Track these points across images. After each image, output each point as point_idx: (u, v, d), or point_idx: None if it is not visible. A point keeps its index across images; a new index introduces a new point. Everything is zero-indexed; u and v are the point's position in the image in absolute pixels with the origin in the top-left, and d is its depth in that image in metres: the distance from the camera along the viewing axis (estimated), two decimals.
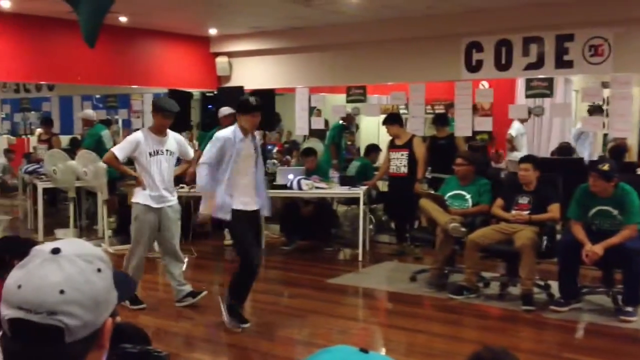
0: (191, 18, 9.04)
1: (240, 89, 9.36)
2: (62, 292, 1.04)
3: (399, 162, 7.65)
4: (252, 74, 10.38)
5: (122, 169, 5.83)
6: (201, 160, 5.04)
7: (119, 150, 5.52)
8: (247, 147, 5.01)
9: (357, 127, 11.80)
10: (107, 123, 10.59)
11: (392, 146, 7.80)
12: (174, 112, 5.57)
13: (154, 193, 5.48)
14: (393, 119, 7.89)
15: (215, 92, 9.61)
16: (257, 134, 5.89)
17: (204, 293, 5.80)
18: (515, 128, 9.60)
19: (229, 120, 8.24)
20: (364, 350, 1.03)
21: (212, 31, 10.10)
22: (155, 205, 5.50)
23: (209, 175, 4.94)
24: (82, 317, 1.05)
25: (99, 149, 8.36)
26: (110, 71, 9.40)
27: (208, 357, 4.82)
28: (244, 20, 9.03)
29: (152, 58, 9.88)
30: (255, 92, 9.56)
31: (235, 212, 4.95)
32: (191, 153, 5.97)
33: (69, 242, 1.13)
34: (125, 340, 1.41)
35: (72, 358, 1.07)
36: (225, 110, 8.07)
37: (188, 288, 5.80)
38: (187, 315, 5.62)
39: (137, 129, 11.55)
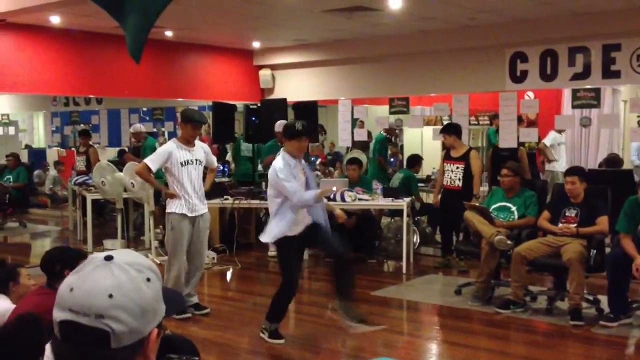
0: (235, 31, 9.18)
1: (283, 101, 9.45)
2: (110, 296, 1.08)
3: (454, 175, 7.45)
4: (295, 86, 10.47)
5: (152, 180, 5.96)
6: (296, 197, 4.84)
7: (152, 162, 5.61)
8: (299, 170, 4.97)
9: (400, 138, 11.77)
10: (154, 136, 10.81)
11: (447, 157, 7.60)
12: (203, 123, 5.72)
13: (189, 202, 5.60)
14: (450, 129, 7.63)
15: (259, 105, 9.71)
16: None
17: (208, 310, 5.92)
18: (550, 138, 9.46)
19: None
20: None
21: (256, 44, 10.23)
22: (190, 214, 5.62)
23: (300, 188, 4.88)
24: (128, 323, 1.08)
25: None
26: (156, 85, 9.60)
27: None
28: (286, 33, 9.13)
29: (196, 71, 10.06)
30: (299, 104, 9.67)
31: (284, 239, 4.94)
32: (215, 162, 6.16)
33: (122, 252, 1.18)
34: (174, 351, 1.44)
35: None
36: (282, 124, 8.19)
37: (195, 300, 5.92)
38: (232, 326, 5.67)
39: None
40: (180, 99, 10.20)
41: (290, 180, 4.81)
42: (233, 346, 5.22)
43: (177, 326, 5.24)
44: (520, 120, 8.60)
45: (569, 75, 7.97)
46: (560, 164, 9.39)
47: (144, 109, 11.21)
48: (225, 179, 9.97)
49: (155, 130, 11.15)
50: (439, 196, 7.71)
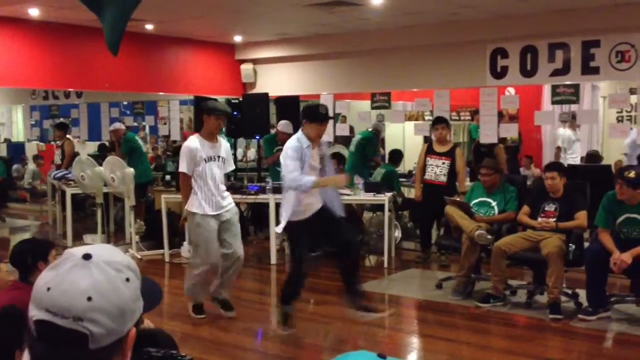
0: (216, 25, 9.14)
1: (265, 95, 9.43)
2: (89, 299, 1.05)
3: (439, 170, 7.42)
4: (277, 80, 10.45)
5: (187, 194, 5.47)
6: (289, 177, 4.76)
7: (186, 167, 5.34)
8: (314, 155, 4.90)
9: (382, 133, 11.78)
10: (134, 130, 10.73)
11: (430, 152, 7.54)
12: (228, 113, 5.48)
13: (211, 200, 5.35)
14: (447, 122, 7.62)
15: (240, 99, 9.68)
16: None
17: (233, 314, 5.61)
18: (561, 137, 9.52)
19: (286, 136, 8.33)
20: (382, 356, 1.05)
21: (237, 38, 10.20)
22: (214, 212, 5.37)
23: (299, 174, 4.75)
24: (107, 326, 1.06)
25: (135, 153, 8.59)
26: (137, 78, 9.54)
27: None
28: (268, 27, 9.10)
29: (178, 65, 10.00)
30: (280, 99, 9.66)
31: (296, 223, 4.87)
32: (232, 165, 5.83)
33: (101, 248, 1.14)
34: (153, 345, 1.43)
35: None
36: (286, 125, 8.22)
37: (225, 295, 5.65)
38: (213, 321, 5.65)
39: (165, 135, 11.79)
40: (161, 93, 10.15)
41: (293, 161, 4.73)
42: (216, 341, 5.21)
43: (156, 321, 5.22)
44: (501, 115, 8.66)
45: (549, 71, 8.05)
46: (575, 161, 9.42)
47: (125, 102, 11.12)
48: None
49: (135, 124, 11.06)
50: (405, 189, 7.77)
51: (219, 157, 5.44)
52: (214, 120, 5.37)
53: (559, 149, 9.68)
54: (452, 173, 7.39)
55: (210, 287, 5.62)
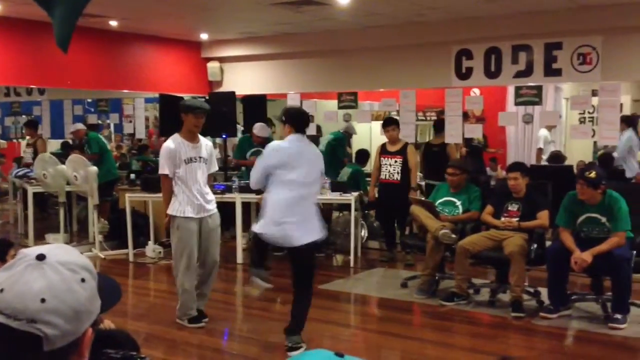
0: (182, 23, 9.05)
1: (231, 94, 9.37)
2: (43, 300, 1.03)
3: (392, 169, 7.63)
4: (244, 79, 10.40)
5: (168, 198, 5.29)
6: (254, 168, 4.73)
7: (166, 168, 5.18)
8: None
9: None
10: (97, 127, 10.58)
11: (384, 152, 7.78)
12: (207, 110, 5.30)
13: (193, 203, 5.19)
14: (396, 122, 7.86)
15: (207, 97, 9.62)
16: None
17: (206, 321, 5.41)
18: (542, 138, 9.63)
19: (261, 139, 8.32)
20: (340, 354, 1.06)
21: (204, 36, 10.12)
22: (196, 216, 5.21)
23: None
24: (61, 327, 1.05)
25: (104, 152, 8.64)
26: (101, 76, 9.40)
27: None
28: (235, 25, 9.06)
29: (143, 62, 9.89)
30: (247, 98, 9.62)
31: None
32: (216, 166, 5.65)
33: (56, 249, 1.12)
34: (114, 346, 1.42)
35: None
36: (261, 128, 8.28)
37: (201, 306, 5.45)
38: (178, 321, 5.61)
39: (130, 134, 11.63)
40: (125, 91, 10.02)
41: (263, 161, 4.66)
42: (179, 341, 5.17)
43: (119, 322, 5.16)
44: (466, 116, 8.75)
45: (513, 73, 8.16)
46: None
47: (89, 100, 10.95)
48: None
49: (99, 122, 10.91)
50: (376, 190, 7.86)
51: (200, 157, 5.26)
52: (193, 118, 5.19)
53: (540, 150, 9.80)
54: (406, 171, 7.56)
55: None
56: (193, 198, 5.19)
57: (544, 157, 9.50)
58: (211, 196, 5.38)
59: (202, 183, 5.25)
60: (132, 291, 6.67)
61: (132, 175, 9.22)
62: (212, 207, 5.35)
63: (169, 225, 5.31)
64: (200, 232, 5.27)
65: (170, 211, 5.23)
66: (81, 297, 1.08)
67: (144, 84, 9.92)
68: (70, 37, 3.11)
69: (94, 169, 7.97)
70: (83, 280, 1.10)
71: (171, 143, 5.22)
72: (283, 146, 4.68)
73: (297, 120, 4.73)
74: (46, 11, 3.16)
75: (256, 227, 4.72)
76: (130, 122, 10.35)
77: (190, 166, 5.19)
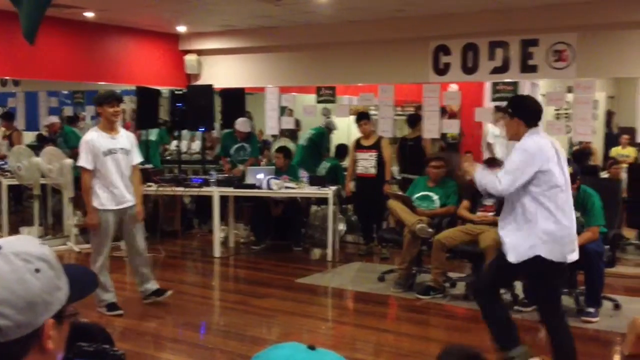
0: (159, 14, 8.97)
1: (209, 87, 9.33)
2: None
3: (367, 163, 7.70)
4: (222, 72, 10.35)
5: (90, 198, 5.33)
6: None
7: (85, 162, 5.25)
8: None
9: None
10: (74, 120, 10.46)
11: (358, 147, 7.83)
12: (120, 98, 5.40)
13: (113, 194, 5.30)
14: (369, 116, 7.95)
15: (185, 90, 9.56)
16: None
17: (169, 293, 5.77)
18: (490, 134, 9.69)
19: (244, 134, 8.45)
20: (312, 347, 1.08)
21: (181, 28, 10.05)
22: (116, 207, 5.33)
23: None
24: (13, 318, 1.03)
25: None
26: (77, 67, 9.29)
27: (175, 357, 4.81)
28: (213, 17, 9.00)
29: (119, 54, 9.79)
30: (225, 91, 9.58)
31: None
32: (139, 157, 5.63)
33: (16, 240, 1.11)
34: (87, 340, 1.41)
35: (8, 359, 1.05)
36: (243, 123, 8.41)
37: (154, 286, 5.73)
38: (155, 314, 5.59)
39: None
40: (102, 83, 9.92)
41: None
42: (157, 335, 5.16)
43: (95, 316, 5.13)
44: (444, 111, 8.80)
45: (489, 69, 8.22)
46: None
47: (64, 92, 10.83)
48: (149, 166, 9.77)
49: (75, 114, 10.79)
50: (352, 184, 7.91)
51: (121, 149, 5.34)
52: (109, 108, 5.27)
53: (489, 144, 9.85)
54: (381, 164, 7.63)
55: (140, 289, 5.72)
56: (113, 189, 5.30)
57: (496, 151, 9.55)
58: (131, 188, 5.46)
59: (123, 174, 5.36)
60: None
61: None
62: (132, 199, 5.44)
63: (93, 219, 5.29)
64: (123, 222, 5.42)
65: (93, 204, 5.28)
66: (35, 287, 1.06)
67: (120, 76, 9.83)
68: (37, 29, 3.07)
69: (69, 161, 7.88)
70: (37, 270, 1.08)
71: (88, 135, 5.34)
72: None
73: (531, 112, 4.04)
74: (13, 3, 3.12)
75: (519, 255, 3.91)
76: None
77: (110, 158, 5.28)
